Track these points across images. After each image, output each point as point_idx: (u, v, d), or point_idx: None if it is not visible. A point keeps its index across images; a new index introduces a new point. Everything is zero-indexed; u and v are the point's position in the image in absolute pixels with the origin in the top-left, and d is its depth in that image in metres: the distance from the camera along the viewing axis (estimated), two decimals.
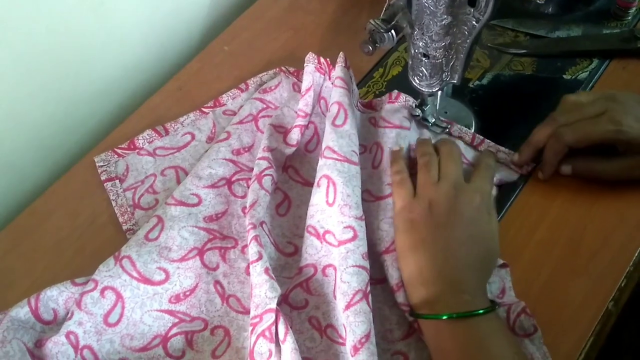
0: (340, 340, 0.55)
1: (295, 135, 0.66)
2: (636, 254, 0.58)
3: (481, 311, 0.51)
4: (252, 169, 0.66)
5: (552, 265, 0.58)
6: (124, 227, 0.66)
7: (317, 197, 0.60)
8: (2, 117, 0.69)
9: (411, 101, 0.66)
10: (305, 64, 0.68)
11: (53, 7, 0.67)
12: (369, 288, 0.54)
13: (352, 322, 0.52)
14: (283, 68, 0.76)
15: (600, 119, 0.59)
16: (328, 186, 0.59)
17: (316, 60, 0.68)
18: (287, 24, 0.83)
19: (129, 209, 0.67)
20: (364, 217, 0.58)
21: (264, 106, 0.72)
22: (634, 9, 0.74)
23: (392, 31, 0.56)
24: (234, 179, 0.66)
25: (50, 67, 0.71)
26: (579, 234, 0.60)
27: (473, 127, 0.69)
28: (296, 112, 0.67)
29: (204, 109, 0.74)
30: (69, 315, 0.56)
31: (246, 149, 0.68)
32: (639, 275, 0.58)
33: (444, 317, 0.51)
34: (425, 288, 0.54)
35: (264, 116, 0.71)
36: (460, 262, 0.54)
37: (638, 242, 0.58)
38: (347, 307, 0.53)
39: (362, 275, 0.54)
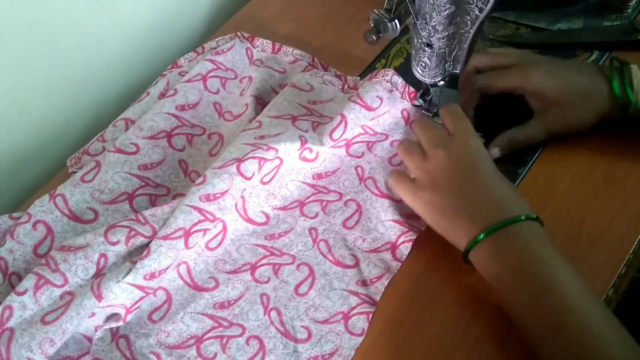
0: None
1: (361, 149, 0.68)
2: (635, 243, 0.58)
3: (522, 217, 0.53)
4: (194, 124, 0.70)
5: None
6: (70, 170, 0.70)
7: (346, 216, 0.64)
8: (8, 109, 0.70)
9: (390, 74, 0.67)
10: (381, 79, 0.67)
11: None
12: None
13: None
14: (239, 33, 0.78)
15: (511, 69, 0.64)
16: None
17: (402, 88, 0.68)
18: (290, 14, 0.84)
19: (77, 155, 0.71)
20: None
21: (214, 67, 0.74)
22: (634, 1, 0.75)
23: (396, 20, 0.56)
24: (174, 132, 0.69)
25: (55, 58, 0.72)
26: (579, 223, 0.60)
27: (474, 118, 0.69)
28: (362, 127, 0.68)
29: (164, 72, 0.77)
30: (2, 242, 0.60)
31: (190, 106, 0.71)
32: (638, 263, 0.58)
33: (481, 237, 0.53)
34: (466, 223, 0.55)
35: (213, 76, 0.73)
36: (494, 190, 0.56)
37: (637, 231, 0.59)
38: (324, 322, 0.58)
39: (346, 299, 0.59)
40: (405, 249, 0.61)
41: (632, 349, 0.47)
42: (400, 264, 0.60)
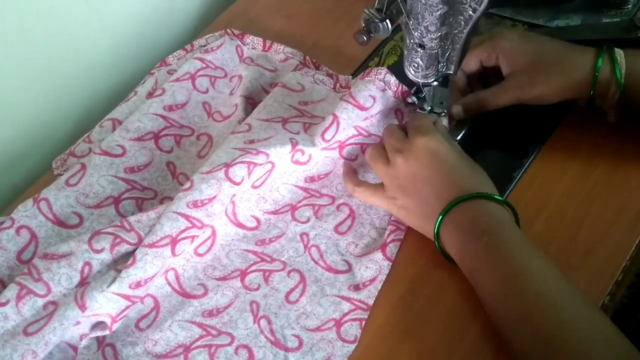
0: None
1: (355, 151, 0.66)
2: (633, 248, 0.57)
3: (483, 194, 0.54)
4: (183, 125, 0.69)
5: None
6: (55, 172, 0.69)
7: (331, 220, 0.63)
8: None
9: (384, 72, 0.65)
10: (374, 78, 0.66)
11: None
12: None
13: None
14: (229, 30, 0.76)
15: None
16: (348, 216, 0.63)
17: (395, 87, 0.67)
18: (283, 11, 0.83)
19: (63, 156, 0.70)
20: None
21: (203, 65, 0.73)
22: None
23: (387, 21, 0.55)
24: (161, 133, 0.68)
25: (42, 57, 0.70)
26: (576, 228, 0.59)
27: (469, 119, 0.68)
28: (355, 128, 0.66)
29: (152, 71, 0.75)
30: None
31: (179, 106, 0.70)
32: (635, 270, 0.57)
33: (439, 219, 0.54)
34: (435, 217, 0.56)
35: (201, 75, 0.72)
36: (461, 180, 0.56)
37: (635, 237, 0.58)
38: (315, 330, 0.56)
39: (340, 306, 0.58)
40: (394, 247, 0.60)
41: (601, 327, 0.47)
42: (391, 263, 0.59)
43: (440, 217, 0.54)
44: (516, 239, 0.52)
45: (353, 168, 0.65)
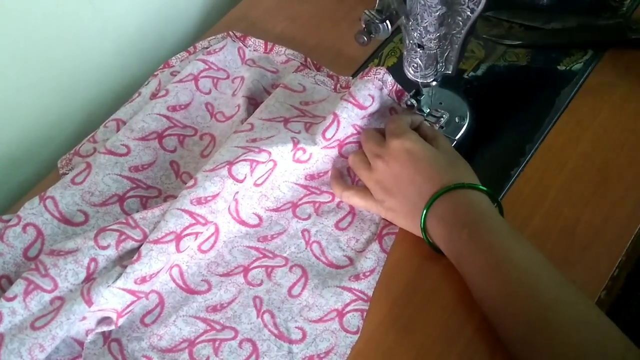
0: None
1: (353, 150, 0.67)
2: (628, 244, 0.58)
3: (459, 185, 0.56)
4: (186, 125, 0.70)
5: (545, 255, 0.58)
6: (60, 172, 0.69)
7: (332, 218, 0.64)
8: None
9: (382, 72, 0.66)
10: (373, 77, 0.66)
11: None
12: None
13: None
14: (231, 32, 0.78)
15: None
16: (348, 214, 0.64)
17: (390, 85, 0.67)
18: (283, 13, 0.83)
19: (68, 156, 0.71)
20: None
21: (206, 67, 0.74)
22: (629, 0, 0.74)
23: (387, 22, 0.56)
24: (165, 133, 0.69)
25: (47, 58, 0.71)
26: (572, 224, 0.60)
27: (468, 118, 0.69)
28: (353, 127, 0.67)
29: (155, 72, 0.77)
30: None
31: (182, 107, 0.71)
32: (631, 265, 0.58)
33: (424, 212, 0.56)
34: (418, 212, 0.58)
35: (204, 76, 0.73)
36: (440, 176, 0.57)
37: (630, 232, 0.58)
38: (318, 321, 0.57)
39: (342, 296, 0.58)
40: (389, 240, 0.61)
41: (584, 310, 0.48)
42: (386, 255, 0.61)
43: (425, 212, 0.56)
44: (497, 227, 0.54)
45: (341, 172, 0.66)
